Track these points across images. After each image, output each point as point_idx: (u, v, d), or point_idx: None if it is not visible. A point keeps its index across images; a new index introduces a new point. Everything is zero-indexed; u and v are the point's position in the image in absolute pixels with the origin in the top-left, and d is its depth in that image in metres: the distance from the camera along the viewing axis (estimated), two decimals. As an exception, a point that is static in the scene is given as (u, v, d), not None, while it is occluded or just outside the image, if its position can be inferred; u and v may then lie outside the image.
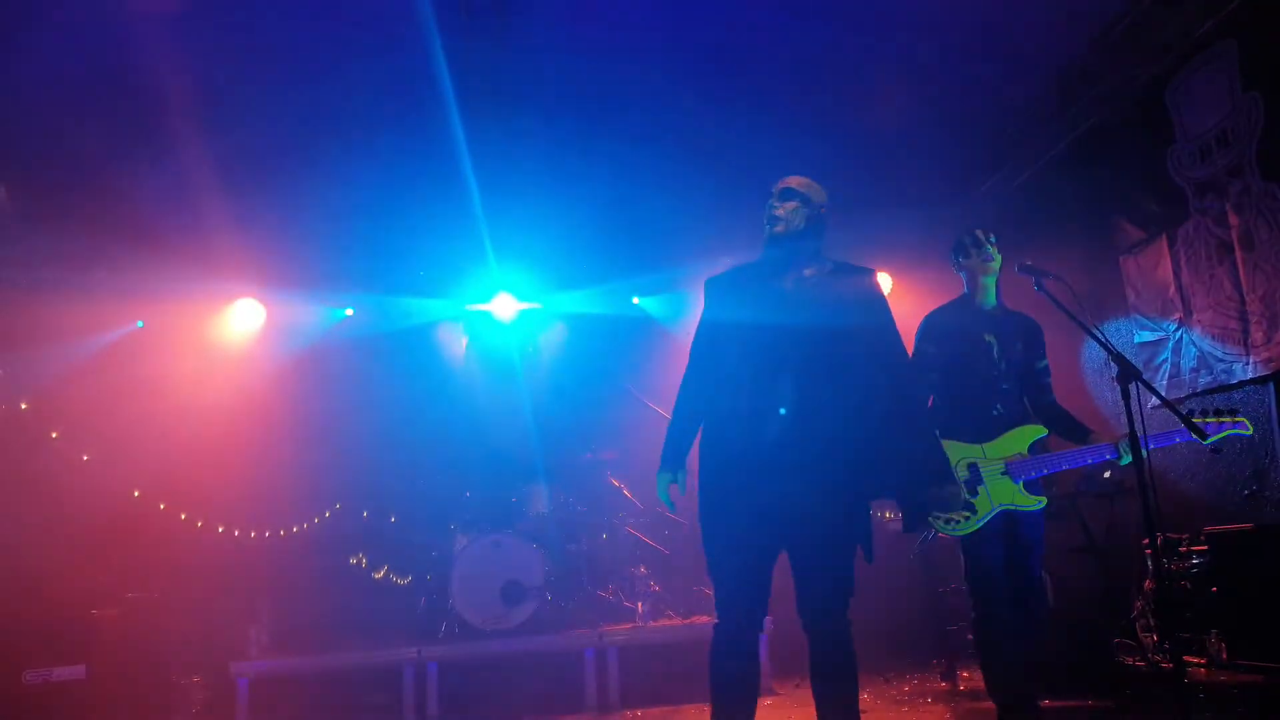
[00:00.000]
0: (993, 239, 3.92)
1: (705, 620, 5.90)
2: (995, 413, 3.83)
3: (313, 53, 5.51)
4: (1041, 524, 3.84)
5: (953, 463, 3.70)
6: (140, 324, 7.43)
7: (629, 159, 6.70)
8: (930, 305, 4.11)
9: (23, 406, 7.37)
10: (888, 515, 7.30)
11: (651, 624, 5.96)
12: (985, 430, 3.81)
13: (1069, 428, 3.92)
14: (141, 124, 5.95)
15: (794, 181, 3.18)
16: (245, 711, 5.38)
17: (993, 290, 3.94)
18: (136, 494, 7.24)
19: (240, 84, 5.72)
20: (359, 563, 7.30)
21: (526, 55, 5.68)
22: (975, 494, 3.71)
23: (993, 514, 3.71)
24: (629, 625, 5.95)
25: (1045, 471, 3.79)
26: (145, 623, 5.91)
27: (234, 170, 6.39)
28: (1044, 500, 3.77)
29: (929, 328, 3.98)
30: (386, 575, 7.20)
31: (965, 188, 7.20)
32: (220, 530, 7.35)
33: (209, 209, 6.53)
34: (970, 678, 5.46)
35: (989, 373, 3.84)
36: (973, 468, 3.76)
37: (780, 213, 3.13)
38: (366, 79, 5.77)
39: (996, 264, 3.90)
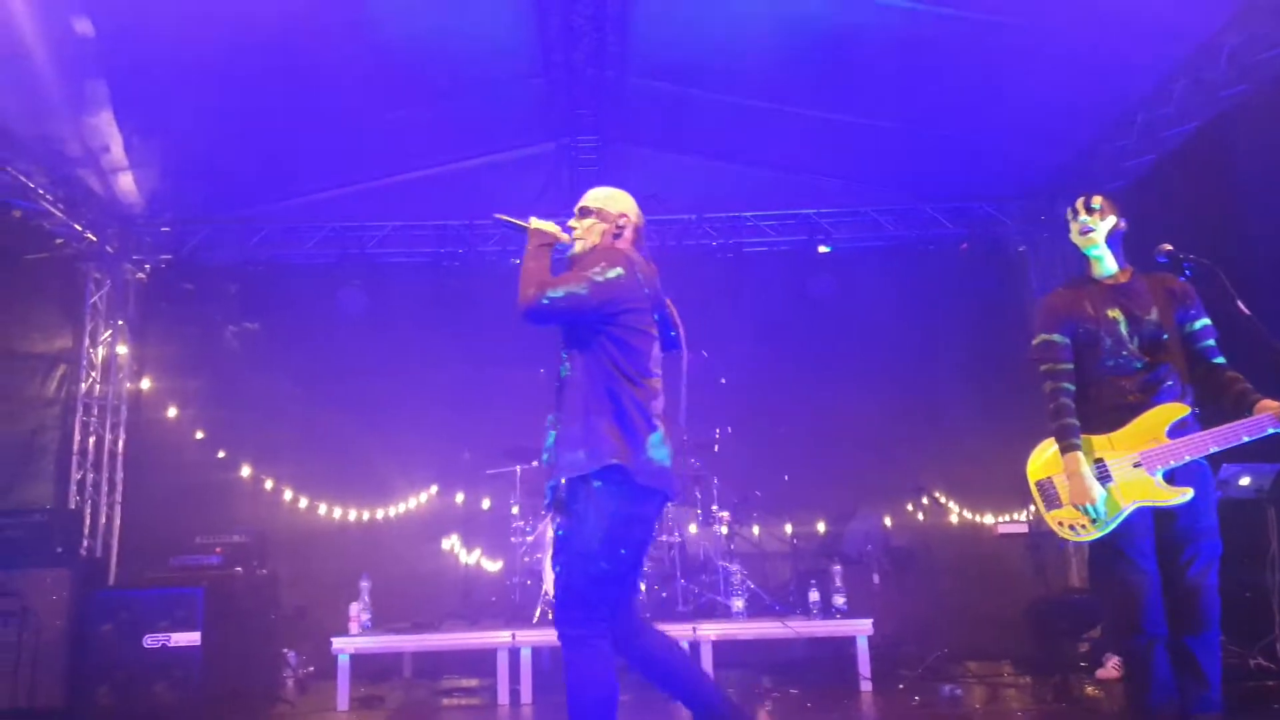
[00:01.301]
0: (1094, 205, 3.52)
1: (802, 621, 5.76)
2: (1130, 397, 3.40)
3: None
4: (1202, 519, 3.30)
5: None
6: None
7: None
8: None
9: (144, 386, 7.73)
10: (995, 519, 7.03)
11: (747, 622, 5.85)
12: (1119, 418, 3.39)
13: (1237, 395, 3.34)
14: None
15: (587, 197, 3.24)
16: (345, 686, 5.48)
17: (1108, 260, 3.54)
18: (246, 472, 7.51)
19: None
20: (452, 547, 7.40)
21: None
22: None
23: (1124, 515, 3.31)
24: (724, 621, 5.85)
25: (1187, 458, 3.28)
26: (255, 595, 6.10)
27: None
28: (1189, 492, 3.26)
29: (1048, 314, 3.59)
30: (479, 559, 7.28)
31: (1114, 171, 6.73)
32: (322, 510, 7.57)
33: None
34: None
35: (1118, 352, 3.44)
36: (1100, 464, 3.37)
37: (578, 232, 3.18)
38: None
39: (1100, 233, 3.49)
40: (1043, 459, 3.57)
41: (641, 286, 2.99)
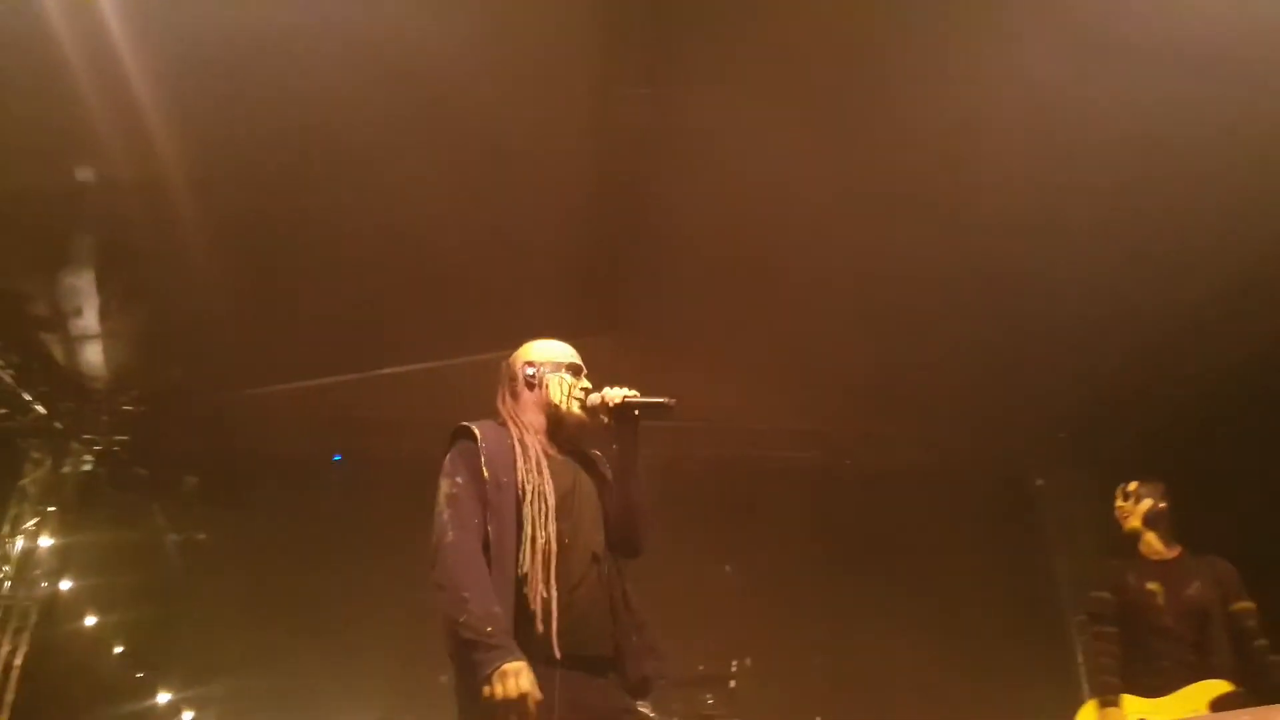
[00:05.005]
0: (1129, 490, 3.99)
1: None
2: (1169, 667, 3.66)
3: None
4: None
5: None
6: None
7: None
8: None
9: (63, 586, 6.69)
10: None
11: None
12: (1163, 684, 3.64)
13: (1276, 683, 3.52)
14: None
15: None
16: None
17: (1149, 537, 3.93)
18: (164, 699, 6.36)
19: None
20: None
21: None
22: None
23: None
24: None
25: None
26: None
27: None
28: None
29: (1100, 574, 4.08)
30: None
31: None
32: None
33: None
34: None
35: (1156, 622, 3.74)
36: None
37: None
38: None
39: (1136, 518, 3.94)
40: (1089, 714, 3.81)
41: None
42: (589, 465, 2.66)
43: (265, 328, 6.26)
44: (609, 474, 2.64)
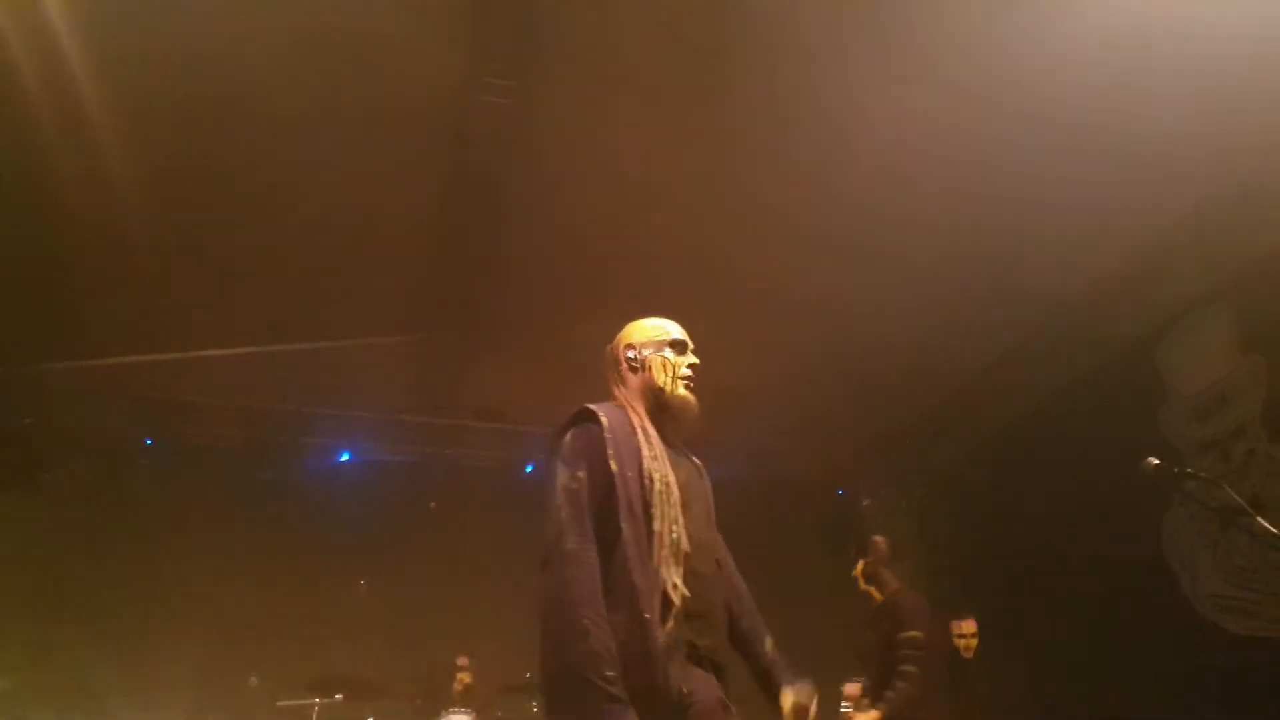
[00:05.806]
0: (851, 552, 4.61)
1: None
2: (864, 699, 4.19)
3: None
4: None
5: None
6: None
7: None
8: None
9: None
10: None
11: None
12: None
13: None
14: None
15: None
16: None
17: (873, 593, 4.49)
18: None
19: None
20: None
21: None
22: None
23: None
24: None
25: None
26: None
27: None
28: None
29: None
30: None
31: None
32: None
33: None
34: None
35: (865, 663, 4.38)
36: None
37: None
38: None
39: (859, 579, 4.52)
40: None
41: None
42: (694, 466, 2.46)
43: (68, 298, 5.71)
44: (708, 482, 2.46)
